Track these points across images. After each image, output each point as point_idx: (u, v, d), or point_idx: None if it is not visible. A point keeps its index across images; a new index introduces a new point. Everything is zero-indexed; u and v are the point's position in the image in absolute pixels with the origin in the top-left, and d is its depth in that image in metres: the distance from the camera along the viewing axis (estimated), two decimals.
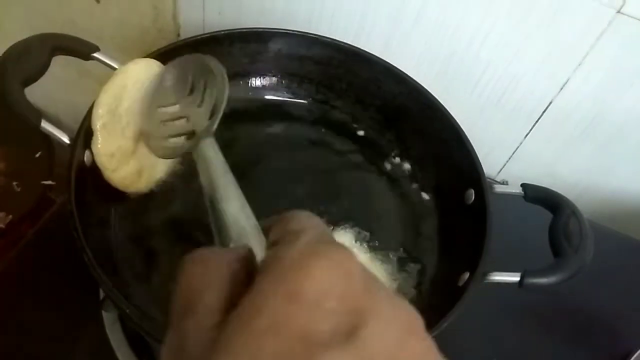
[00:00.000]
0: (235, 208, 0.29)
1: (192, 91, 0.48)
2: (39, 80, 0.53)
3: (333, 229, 0.58)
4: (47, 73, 0.53)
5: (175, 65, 0.52)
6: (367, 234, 0.59)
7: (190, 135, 0.45)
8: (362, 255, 0.57)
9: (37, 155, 0.94)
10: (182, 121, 0.48)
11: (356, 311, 0.19)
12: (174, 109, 0.49)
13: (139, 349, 0.57)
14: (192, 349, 0.19)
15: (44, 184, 0.90)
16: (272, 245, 0.23)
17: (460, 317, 0.47)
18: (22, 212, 0.88)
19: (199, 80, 0.48)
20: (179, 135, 0.47)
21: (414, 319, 0.20)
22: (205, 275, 0.21)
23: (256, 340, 0.17)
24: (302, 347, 0.17)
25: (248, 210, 0.29)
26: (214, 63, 0.48)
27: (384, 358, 0.18)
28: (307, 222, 0.23)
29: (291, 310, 0.18)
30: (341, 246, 0.20)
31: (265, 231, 0.25)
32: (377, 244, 0.58)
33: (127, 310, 0.44)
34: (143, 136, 0.51)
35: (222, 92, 0.45)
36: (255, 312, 0.18)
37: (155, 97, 0.51)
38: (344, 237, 0.58)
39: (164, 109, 0.50)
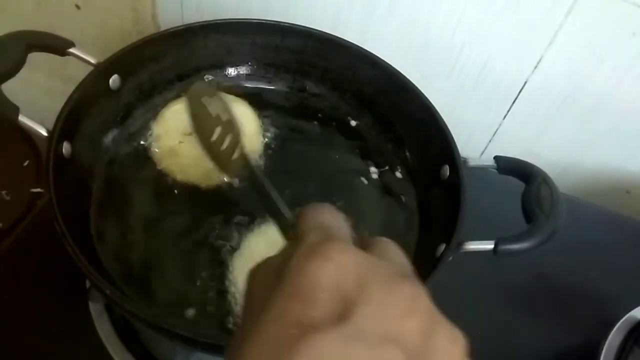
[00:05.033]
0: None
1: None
2: (24, 89, 0.54)
3: None
4: (30, 80, 0.54)
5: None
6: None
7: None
8: None
9: (25, 164, 0.95)
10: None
11: (346, 299, 0.22)
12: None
13: (127, 337, 0.57)
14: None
15: (32, 191, 0.91)
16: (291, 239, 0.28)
17: (445, 291, 0.47)
18: (13, 220, 0.89)
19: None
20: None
21: (412, 301, 0.23)
22: None
23: (264, 330, 0.22)
24: (297, 330, 0.21)
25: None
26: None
27: (376, 337, 0.21)
28: (317, 219, 0.27)
29: (289, 304, 0.22)
30: (339, 242, 0.24)
31: (292, 226, 0.29)
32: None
33: (108, 291, 0.44)
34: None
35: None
36: (265, 308, 0.23)
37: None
38: None
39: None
